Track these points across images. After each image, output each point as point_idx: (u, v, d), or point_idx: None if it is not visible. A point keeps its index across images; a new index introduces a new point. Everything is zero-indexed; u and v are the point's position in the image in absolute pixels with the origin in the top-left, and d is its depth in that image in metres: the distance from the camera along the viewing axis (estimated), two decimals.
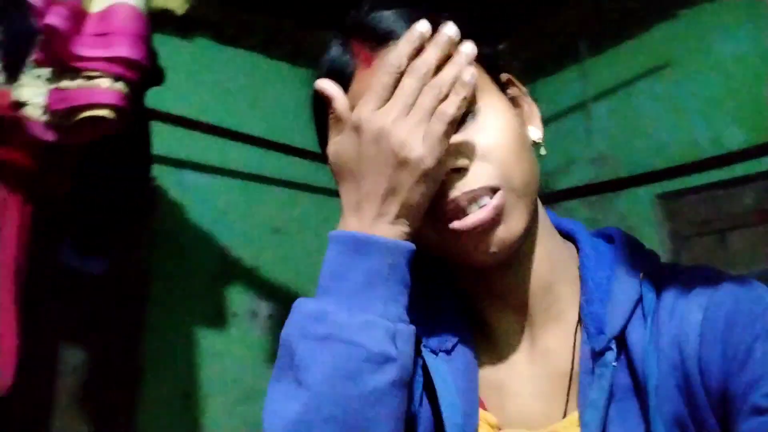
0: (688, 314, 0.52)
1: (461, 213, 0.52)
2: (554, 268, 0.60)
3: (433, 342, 0.58)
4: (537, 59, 2.73)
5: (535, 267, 0.59)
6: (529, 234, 0.57)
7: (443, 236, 0.54)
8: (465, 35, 0.54)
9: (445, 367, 0.57)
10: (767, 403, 0.46)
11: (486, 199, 0.52)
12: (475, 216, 0.52)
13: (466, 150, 0.53)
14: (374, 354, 0.48)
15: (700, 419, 0.50)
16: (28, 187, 1.43)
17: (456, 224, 0.52)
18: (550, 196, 2.66)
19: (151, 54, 1.34)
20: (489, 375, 0.60)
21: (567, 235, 0.64)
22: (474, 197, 0.52)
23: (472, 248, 0.54)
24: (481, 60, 0.55)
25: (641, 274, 0.57)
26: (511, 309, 0.60)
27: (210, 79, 2.40)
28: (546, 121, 2.24)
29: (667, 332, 0.52)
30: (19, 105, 1.15)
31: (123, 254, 1.90)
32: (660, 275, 0.57)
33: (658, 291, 0.55)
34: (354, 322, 0.49)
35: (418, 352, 0.56)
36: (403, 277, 0.52)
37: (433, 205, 0.53)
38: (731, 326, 0.50)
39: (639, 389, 0.52)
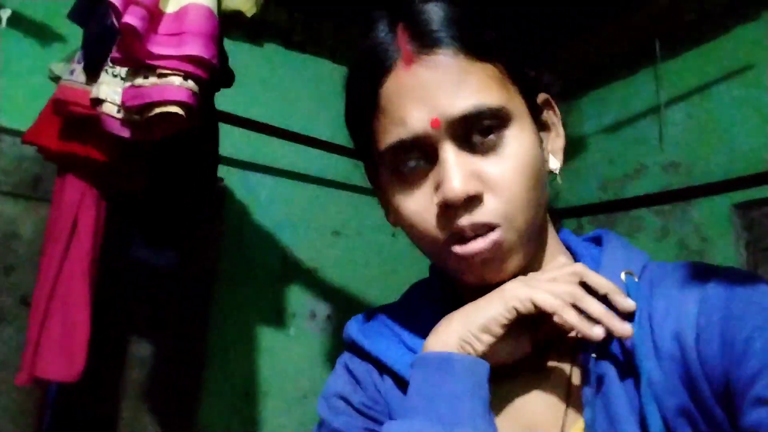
0: (684, 308, 0.52)
1: (464, 240, 0.55)
2: None
3: None
4: (609, 62, 2.65)
5: None
6: (533, 258, 0.60)
7: (445, 254, 0.57)
8: (509, 52, 0.57)
9: None
10: None
11: (487, 232, 0.55)
12: (475, 245, 0.55)
13: (482, 178, 0.54)
14: None
15: (707, 411, 0.50)
16: (104, 182, 1.49)
17: (457, 249, 0.55)
18: (617, 204, 2.57)
19: (222, 55, 1.38)
20: (496, 390, 0.60)
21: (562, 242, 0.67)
22: (477, 228, 0.54)
23: (468, 272, 0.57)
24: (519, 82, 0.57)
25: (623, 273, 0.58)
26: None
27: (278, 83, 2.45)
28: (617, 126, 2.17)
29: (666, 328, 0.53)
30: (98, 102, 1.20)
31: (190, 251, 1.96)
32: (651, 273, 0.58)
33: (651, 288, 0.56)
34: None
35: None
36: (486, 394, 0.53)
37: (442, 223, 0.56)
38: (727, 318, 0.50)
39: (635, 384, 0.53)
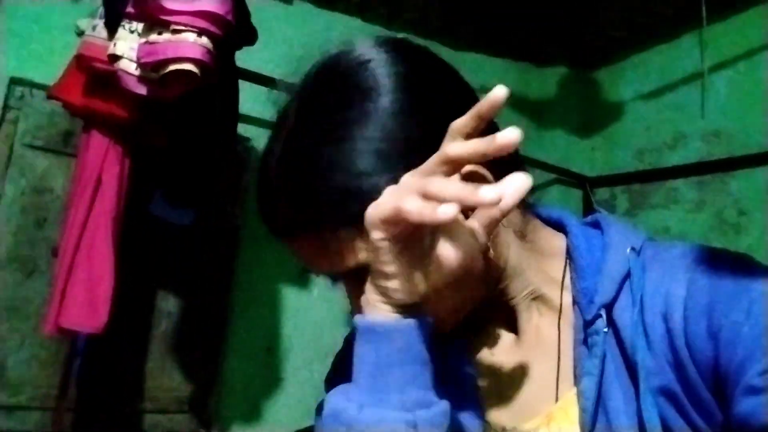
0: (673, 290, 0.51)
1: None
2: (540, 267, 0.60)
3: None
4: (653, 23, 2.53)
5: (520, 275, 0.58)
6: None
7: None
8: None
9: None
10: (761, 382, 0.44)
11: None
12: None
13: None
14: None
15: (694, 392, 0.49)
16: (127, 139, 1.51)
17: None
18: (653, 173, 2.49)
19: (241, 11, 1.36)
20: (485, 368, 0.60)
21: (556, 223, 0.64)
22: None
23: None
24: None
25: (629, 250, 0.56)
26: (498, 307, 0.60)
27: (307, 42, 2.41)
28: (657, 92, 2.09)
29: (655, 307, 0.52)
30: (116, 58, 1.21)
31: (214, 209, 1.98)
32: (648, 251, 0.57)
33: (646, 266, 0.55)
34: (364, 420, 0.46)
35: None
36: (419, 355, 0.48)
37: None
38: (715, 302, 0.49)
39: (628, 362, 0.52)
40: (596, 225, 0.63)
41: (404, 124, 0.50)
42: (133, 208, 1.57)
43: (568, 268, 0.59)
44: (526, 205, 0.61)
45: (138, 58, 1.16)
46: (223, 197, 2.02)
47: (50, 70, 1.75)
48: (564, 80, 2.89)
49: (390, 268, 0.47)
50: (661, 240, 0.61)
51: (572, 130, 2.85)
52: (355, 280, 0.53)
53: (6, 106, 1.81)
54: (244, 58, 1.71)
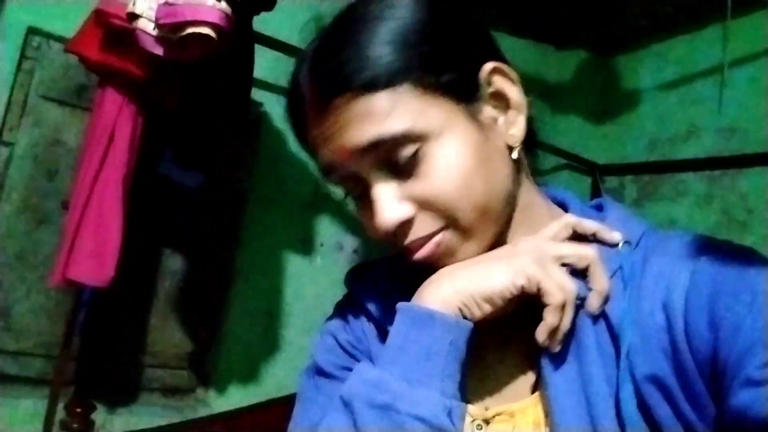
0: (674, 280, 0.51)
1: (415, 250, 0.57)
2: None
3: None
4: (676, 13, 2.49)
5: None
6: (509, 230, 0.60)
7: (404, 254, 0.59)
8: (415, 68, 0.53)
9: None
10: (761, 375, 0.44)
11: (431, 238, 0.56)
12: (422, 252, 0.56)
13: (412, 199, 0.55)
14: (432, 426, 0.49)
15: (688, 382, 0.49)
16: (140, 98, 1.51)
17: (409, 256, 0.57)
18: (663, 165, 2.48)
19: None
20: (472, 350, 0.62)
21: (559, 203, 0.66)
22: (419, 242, 0.56)
23: (428, 267, 0.58)
24: (438, 86, 0.53)
25: (621, 243, 0.57)
26: None
27: (325, 10, 2.40)
28: (674, 83, 2.07)
29: (655, 297, 0.52)
30: (134, 17, 1.21)
31: (223, 172, 1.99)
32: (650, 239, 0.57)
33: (645, 257, 0.55)
34: (413, 394, 0.50)
35: None
36: (461, 354, 0.53)
37: (391, 241, 0.57)
38: (717, 293, 0.49)
39: (616, 352, 0.52)
40: (599, 209, 0.63)
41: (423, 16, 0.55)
42: (144, 167, 1.58)
43: None
44: (529, 175, 0.63)
45: (157, 19, 1.16)
46: (232, 162, 2.03)
47: (69, 22, 1.74)
48: (582, 65, 2.86)
49: (502, 303, 0.54)
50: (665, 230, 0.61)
51: (586, 116, 2.84)
52: (373, 178, 0.56)
53: (23, 56, 1.82)
54: (260, 22, 1.70)
